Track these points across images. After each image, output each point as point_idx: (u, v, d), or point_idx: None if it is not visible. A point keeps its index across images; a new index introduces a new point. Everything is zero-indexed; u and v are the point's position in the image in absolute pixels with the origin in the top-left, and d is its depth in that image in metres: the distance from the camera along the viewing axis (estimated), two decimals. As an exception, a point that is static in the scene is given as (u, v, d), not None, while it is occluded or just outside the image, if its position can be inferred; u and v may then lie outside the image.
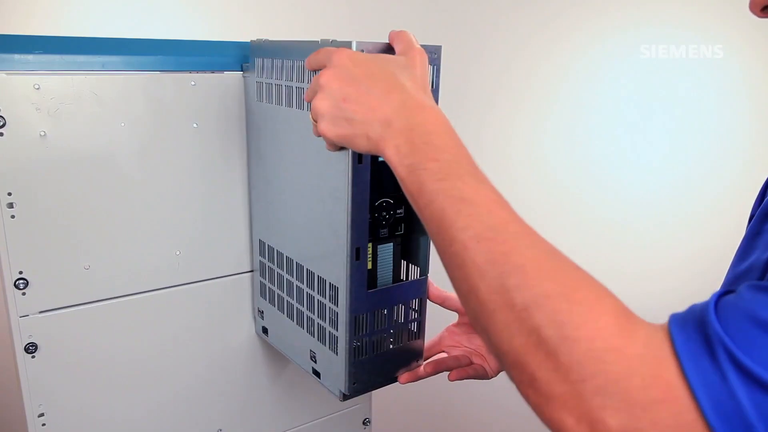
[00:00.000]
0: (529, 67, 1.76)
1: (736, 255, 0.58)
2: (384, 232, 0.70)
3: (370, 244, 0.69)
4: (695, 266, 1.91)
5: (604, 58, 1.80)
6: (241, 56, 0.79)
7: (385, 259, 0.71)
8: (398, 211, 0.70)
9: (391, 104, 0.50)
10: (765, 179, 0.62)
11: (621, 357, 0.38)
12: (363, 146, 0.52)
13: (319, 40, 0.63)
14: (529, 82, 1.77)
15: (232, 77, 0.79)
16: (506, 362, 0.43)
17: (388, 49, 0.59)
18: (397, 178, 0.50)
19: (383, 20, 1.57)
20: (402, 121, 0.49)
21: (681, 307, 0.40)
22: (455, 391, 1.90)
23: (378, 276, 0.71)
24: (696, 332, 0.38)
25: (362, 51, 0.57)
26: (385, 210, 0.69)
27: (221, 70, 0.78)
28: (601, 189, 1.90)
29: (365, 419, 1.01)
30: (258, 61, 0.75)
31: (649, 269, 1.95)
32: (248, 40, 0.77)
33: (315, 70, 0.58)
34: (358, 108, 0.51)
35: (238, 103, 0.80)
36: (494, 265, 0.43)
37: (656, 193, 1.93)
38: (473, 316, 0.46)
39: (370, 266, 0.70)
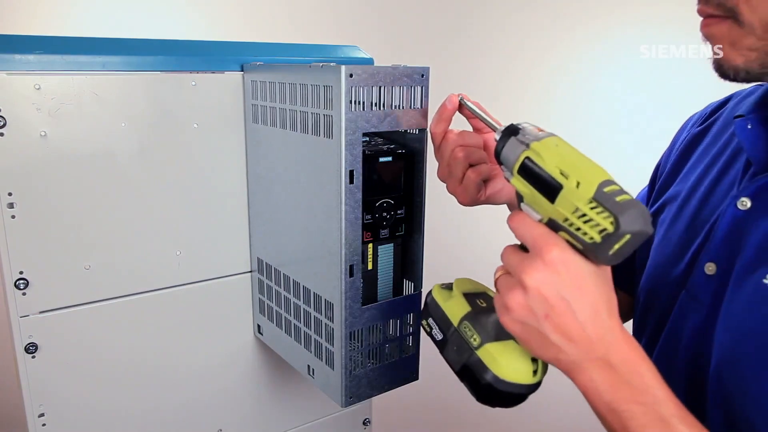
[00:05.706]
0: (527, 68, 1.76)
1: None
2: (385, 233, 0.70)
3: (370, 245, 0.69)
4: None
5: (603, 58, 1.81)
6: (241, 56, 0.79)
7: (385, 259, 0.71)
8: (398, 212, 0.70)
9: (591, 334, 0.47)
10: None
11: None
12: (546, 359, 0.51)
13: (309, 65, 0.65)
14: (527, 83, 1.77)
15: (232, 77, 0.79)
16: None
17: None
18: (592, 407, 0.50)
19: (382, 19, 1.57)
20: (600, 352, 0.47)
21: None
22: (455, 391, 1.90)
23: (378, 277, 0.71)
24: None
25: (351, 75, 0.59)
26: (386, 210, 0.69)
27: (221, 70, 0.78)
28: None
29: (365, 419, 1.01)
30: (252, 84, 0.76)
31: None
32: (248, 41, 0.77)
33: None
34: (556, 330, 0.47)
35: (238, 103, 0.80)
36: None
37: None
38: None
39: (370, 266, 0.70)
